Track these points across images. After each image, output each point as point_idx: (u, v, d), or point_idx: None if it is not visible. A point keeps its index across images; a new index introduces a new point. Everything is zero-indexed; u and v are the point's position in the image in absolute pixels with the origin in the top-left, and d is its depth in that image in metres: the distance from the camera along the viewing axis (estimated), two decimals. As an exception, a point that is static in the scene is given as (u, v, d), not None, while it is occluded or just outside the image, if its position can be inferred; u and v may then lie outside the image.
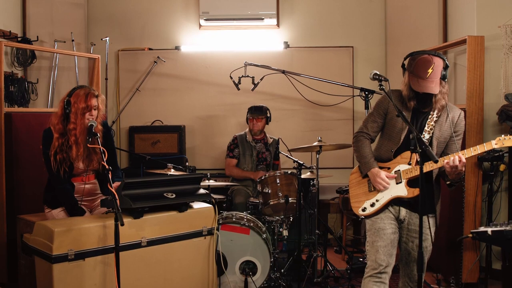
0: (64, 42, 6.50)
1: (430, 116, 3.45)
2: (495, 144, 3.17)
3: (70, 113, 3.86)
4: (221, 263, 3.94)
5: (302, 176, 5.25)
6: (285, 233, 5.00)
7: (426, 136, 3.43)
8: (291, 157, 4.96)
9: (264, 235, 4.74)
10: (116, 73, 7.05)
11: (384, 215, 3.47)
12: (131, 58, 7.04)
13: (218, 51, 7.01)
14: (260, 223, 4.95)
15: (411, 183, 3.40)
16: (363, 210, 3.53)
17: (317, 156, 5.21)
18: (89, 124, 3.77)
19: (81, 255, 3.29)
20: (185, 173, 5.29)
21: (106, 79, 6.79)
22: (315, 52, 7.00)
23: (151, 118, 7.01)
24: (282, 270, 5.07)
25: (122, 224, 3.10)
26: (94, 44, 6.77)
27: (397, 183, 3.42)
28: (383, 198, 3.46)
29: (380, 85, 3.28)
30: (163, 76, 7.01)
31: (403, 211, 3.47)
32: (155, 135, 6.75)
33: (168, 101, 7.05)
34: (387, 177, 3.44)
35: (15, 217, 4.53)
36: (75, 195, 4.00)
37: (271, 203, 4.96)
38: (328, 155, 6.03)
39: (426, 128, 3.45)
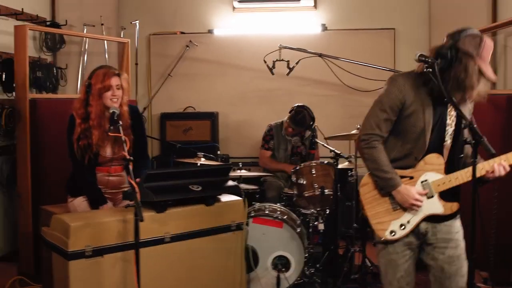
0: (93, 26, 6.32)
1: (449, 105, 2.87)
2: None
3: (90, 95, 3.68)
4: (250, 260, 3.68)
5: (340, 166, 4.97)
6: (321, 226, 4.70)
7: (449, 130, 2.89)
8: (327, 146, 4.67)
9: (299, 229, 4.47)
10: (147, 58, 6.86)
11: (399, 240, 2.95)
12: (163, 42, 6.84)
13: (252, 35, 6.74)
14: (295, 215, 4.68)
15: (444, 195, 2.88)
16: (392, 233, 2.90)
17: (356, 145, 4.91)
18: (111, 111, 3.56)
19: (99, 252, 3.08)
20: (215, 162, 5.06)
21: (136, 64, 6.58)
22: (354, 34, 6.67)
23: (183, 104, 6.80)
24: (318, 265, 4.81)
25: (142, 220, 2.87)
26: (125, 28, 6.58)
27: (428, 198, 2.88)
28: (414, 218, 2.89)
29: (427, 67, 2.85)
30: (195, 60, 6.79)
31: (423, 224, 2.92)
32: (187, 122, 6.54)
33: (200, 86, 6.82)
34: (419, 193, 2.86)
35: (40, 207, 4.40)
36: (99, 187, 3.82)
37: (306, 194, 4.68)
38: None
39: (448, 120, 2.89)
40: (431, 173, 2.87)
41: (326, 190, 4.61)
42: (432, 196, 2.88)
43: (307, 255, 4.45)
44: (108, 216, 3.24)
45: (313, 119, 5.43)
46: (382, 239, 2.94)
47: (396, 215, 2.92)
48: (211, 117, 6.51)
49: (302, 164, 4.80)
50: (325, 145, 4.82)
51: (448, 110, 2.89)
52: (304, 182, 4.70)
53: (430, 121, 2.83)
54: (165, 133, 6.54)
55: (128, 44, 5.84)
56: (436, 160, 2.87)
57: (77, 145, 3.68)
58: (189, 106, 6.76)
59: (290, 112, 5.47)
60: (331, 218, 4.83)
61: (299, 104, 5.47)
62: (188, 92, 6.83)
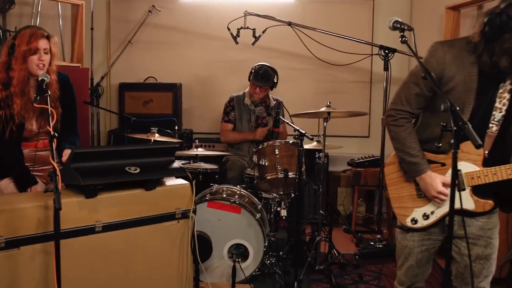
0: (48, -14, 5.79)
1: (502, 85, 2.45)
2: None
3: (13, 58, 3.23)
4: (196, 252, 3.26)
5: (308, 146, 4.56)
6: (283, 212, 4.27)
7: (497, 116, 2.47)
8: (292, 124, 4.23)
9: (259, 215, 4.07)
10: (107, 23, 6.32)
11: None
12: (124, 6, 6.30)
13: (221, 1, 6.22)
14: (256, 199, 4.28)
15: (478, 190, 2.51)
16: (414, 221, 2.63)
17: (325, 124, 4.48)
18: (40, 79, 3.08)
19: (14, 243, 2.61)
20: (170, 139, 4.61)
21: (92, 28, 6.04)
22: (331, 4, 6.20)
23: (144, 74, 6.28)
24: (281, 253, 4.43)
25: (59, 208, 2.42)
26: (82, -10, 6.04)
27: (458, 190, 2.44)
28: (440, 209, 2.57)
29: (402, 35, 2.41)
30: (158, 27, 6.27)
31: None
32: (147, 93, 6.02)
33: (163, 56, 6.33)
34: (444, 184, 2.50)
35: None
36: (26, 164, 3.37)
37: (268, 177, 4.24)
38: (339, 121, 5.30)
39: (497, 103, 2.46)
40: (466, 163, 2.50)
41: (290, 173, 4.19)
42: (464, 189, 2.50)
43: (267, 243, 4.07)
44: (26, 201, 2.76)
45: (275, 72, 5.04)
46: (402, 225, 2.68)
47: (421, 203, 2.64)
48: (174, 89, 6.00)
49: (264, 144, 4.36)
50: (289, 123, 4.38)
51: (500, 91, 2.45)
52: (266, 164, 4.27)
53: (472, 102, 2.43)
54: (124, 105, 6.04)
55: (82, 6, 5.36)
56: (474, 149, 2.40)
57: None
58: (150, 77, 6.25)
59: (249, 76, 5.08)
60: (296, 203, 4.42)
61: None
62: (150, 61, 6.33)
